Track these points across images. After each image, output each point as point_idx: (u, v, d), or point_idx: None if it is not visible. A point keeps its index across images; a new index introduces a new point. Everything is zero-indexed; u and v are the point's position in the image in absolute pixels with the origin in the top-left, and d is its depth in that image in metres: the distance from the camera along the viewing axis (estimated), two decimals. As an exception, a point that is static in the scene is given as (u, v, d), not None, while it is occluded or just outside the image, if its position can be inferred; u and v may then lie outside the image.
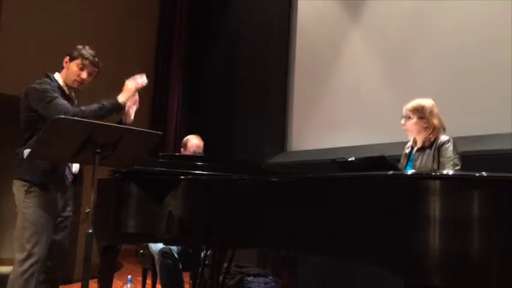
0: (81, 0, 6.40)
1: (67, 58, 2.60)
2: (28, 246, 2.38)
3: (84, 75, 2.57)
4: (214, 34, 6.60)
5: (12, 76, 5.21)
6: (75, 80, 2.57)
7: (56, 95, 2.48)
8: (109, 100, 2.54)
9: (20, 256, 2.38)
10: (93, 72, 2.61)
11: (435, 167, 2.67)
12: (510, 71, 3.32)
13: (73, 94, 2.66)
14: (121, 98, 2.56)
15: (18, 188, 2.47)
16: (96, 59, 2.61)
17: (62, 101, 2.47)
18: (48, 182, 2.45)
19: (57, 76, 2.60)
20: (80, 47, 2.61)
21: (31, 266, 2.36)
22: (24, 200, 2.43)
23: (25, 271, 2.35)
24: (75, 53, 2.58)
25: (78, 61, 2.56)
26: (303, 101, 5.29)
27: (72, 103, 2.59)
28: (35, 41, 5.82)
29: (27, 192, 2.43)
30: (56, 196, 2.50)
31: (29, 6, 6.01)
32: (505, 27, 3.41)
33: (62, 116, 2.02)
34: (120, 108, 2.56)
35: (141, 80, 2.62)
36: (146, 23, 7.08)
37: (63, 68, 2.61)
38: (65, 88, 2.59)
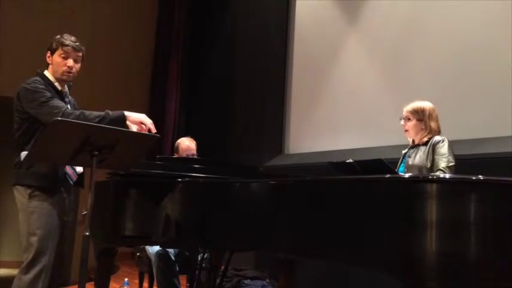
0: (79, 2, 6.41)
1: (48, 53, 2.53)
2: (34, 253, 2.31)
3: (70, 62, 2.49)
4: (212, 36, 6.61)
5: (10, 78, 5.22)
6: (63, 72, 2.49)
7: (49, 94, 2.40)
8: (115, 112, 2.40)
9: (25, 263, 2.32)
10: (77, 58, 2.53)
11: (428, 164, 2.70)
12: (510, 73, 3.32)
13: (66, 89, 2.58)
14: (128, 112, 2.41)
15: (20, 192, 2.40)
16: (78, 43, 2.52)
17: (57, 102, 2.40)
18: (50, 185, 2.39)
19: (47, 73, 2.53)
20: (57, 37, 2.53)
21: (37, 273, 2.29)
22: (28, 206, 2.36)
23: (31, 278, 2.29)
24: (54, 45, 2.51)
25: (59, 51, 2.49)
26: (301, 103, 5.30)
27: (65, 100, 2.52)
28: (32, 42, 5.81)
29: (30, 196, 2.37)
30: (61, 198, 2.44)
31: (26, 7, 6.02)
32: (505, 29, 3.41)
33: (60, 118, 2.01)
34: (124, 120, 2.37)
35: (151, 126, 2.38)
36: (144, 24, 7.09)
37: (49, 64, 2.54)
38: (57, 84, 2.52)
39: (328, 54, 4.98)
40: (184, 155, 3.62)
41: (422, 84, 3.96)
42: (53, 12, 6.12)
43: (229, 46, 6.26)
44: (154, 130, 2.39)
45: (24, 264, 2.32)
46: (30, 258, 2.32)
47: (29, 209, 2.36)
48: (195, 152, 3.68)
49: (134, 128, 2.34)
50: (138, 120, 2.38)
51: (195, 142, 3.73)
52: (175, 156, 3.69)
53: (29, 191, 2.37)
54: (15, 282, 2.32)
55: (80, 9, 6.34)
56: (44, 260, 2.32)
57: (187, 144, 3.69)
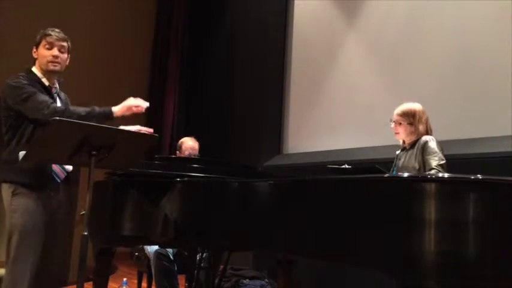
0: (78, 1, 6.40)
1: (34, 48, 2.53)
2: (16, 251, 2.31)
3: (54, 51, 2.48)
4: (211, 35, 6.60)
5: (8, 77, 5.21)
6: (48, 62, 2.48)
7: (34, 90, 2.38)
8: (102, 107, 2.46)
9: (9, 261, 2.32)
10: (62, 47, 2.51)
11: (416, 166, 2.72)
12: (509, 72, 3.32)
13: (56, 85, 2.56)
14: (115, 108, 2.47)
15: (5, 190, 2.40)
16: (62, 34, 2.51)
17: (42, 97, 2.38)
18: (34, 182, 2.38)
19: (34, 69, 2.51)
20: (41, 31, 2.53)
21: (21, 270, 2.29)
22: (11, 203, 2.36)
23: (15, 277, 2.28)
24: (38, 38, 2.51)
25: (43, 42, 2.49)
26: (299, 103, 5.30)
27: (53, 97, 2.49)
28: (32, 42, 5.80)
29: (13, 194, 2.37)
30: (45, 197, 2.42)
31: (26, 7, 6.00)
32: (504, 28, 3.41)
33: (58, 118, 2.00)
34: (111, 117, 2.46)
35: (142, 103, 2.50)
36: (143, 24, 7.08)
37: (35, 60, 2.52)
38: (44, 80, 2.50)
39: (327, 54, 4.98)
40: (187, 153, 3.62)
41: (420, 84, 3.96)
42: (52, 12, 6.10)
43: (228, 45, 6.25)
44: (144, 106, 2.46)
45: (9, 262, 2.31)
46: (13, 255, 2.31)
47: (12, 207, 2.36)
48: (197, 151, 3.69)
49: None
50: (125, 109, 2.44)
51: (198, 142, 3.74)
52: (178, 155, 3.70)
53: (12, 189, 2.37)
54: (3, 284, 2.31)
55: (79, 9, 6.32)
56: (28, 257, 2.31)
57: (190, 144, 3.69)
